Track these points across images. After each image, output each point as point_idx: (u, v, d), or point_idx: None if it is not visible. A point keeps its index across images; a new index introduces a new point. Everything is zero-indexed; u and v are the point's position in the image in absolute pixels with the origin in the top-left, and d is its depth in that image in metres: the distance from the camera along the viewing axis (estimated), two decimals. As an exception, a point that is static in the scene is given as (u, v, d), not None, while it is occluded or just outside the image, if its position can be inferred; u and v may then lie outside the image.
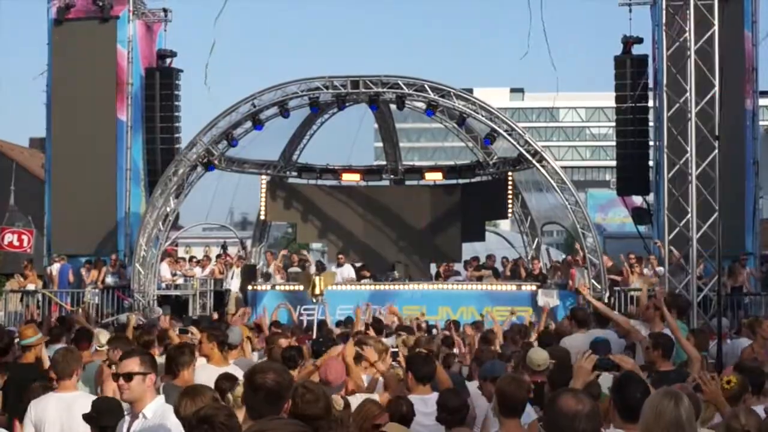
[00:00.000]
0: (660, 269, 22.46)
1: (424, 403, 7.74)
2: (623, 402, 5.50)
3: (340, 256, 27.48)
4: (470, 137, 29.02)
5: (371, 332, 14.01)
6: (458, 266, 28.23)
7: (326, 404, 6.18)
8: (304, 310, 23.18)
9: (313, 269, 25.91)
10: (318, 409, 5.91)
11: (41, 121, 28.40)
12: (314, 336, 16.13)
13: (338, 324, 17.86)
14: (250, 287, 25.39)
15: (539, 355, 9.07)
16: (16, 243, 26.73)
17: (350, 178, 30.63)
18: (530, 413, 7.12)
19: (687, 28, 20.54)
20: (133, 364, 6.30)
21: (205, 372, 8.94)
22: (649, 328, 10.86)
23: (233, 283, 25.86)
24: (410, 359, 8.61)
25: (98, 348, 11.55)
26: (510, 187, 28.65)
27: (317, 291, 21.19)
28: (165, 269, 26.29)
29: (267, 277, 26.11)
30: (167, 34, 29.06)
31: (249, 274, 26.15)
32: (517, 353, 11.20)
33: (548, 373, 8.14)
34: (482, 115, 24.02)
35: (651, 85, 25.89)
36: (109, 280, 25.70)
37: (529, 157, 23.68)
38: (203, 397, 6.25)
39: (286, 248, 30.21)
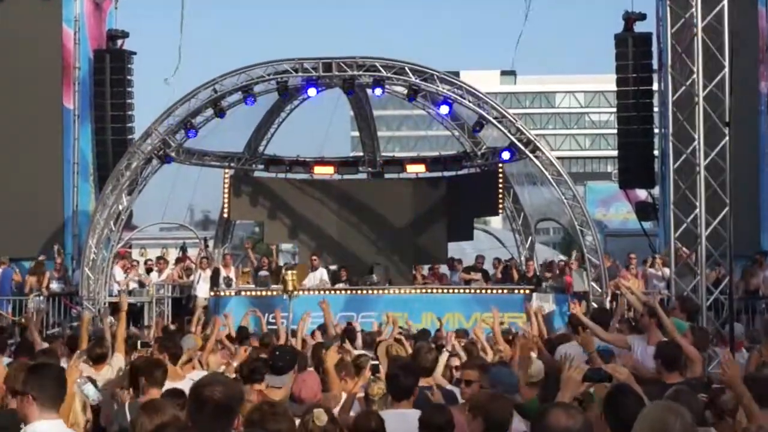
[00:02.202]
0: (665, 270, 22.59)
1: (403, 418, 7.74)
2: (616, 416, 5.53)
3: (314, 258, 27.44)
4: (456, 125, 29.06)
5: (347, 344, 14.04)
6: (443, 268, 28.26)
7: (290, 426, 6.18)
8: (273, 318, 23.14)
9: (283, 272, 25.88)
10: (281, 425, 5.93)
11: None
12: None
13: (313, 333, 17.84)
14: (212, 293, 25.38)
15: (535, 366, 9.08)
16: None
17: (323, 172, 30.61)
18: None
19: (693, 3, 20.62)
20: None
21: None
22: (646, 338, 10.85)
23: (200, 289, 25.77)
24: (388, 371, 8.64)
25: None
26: (501, 181, 28.70)
27: (290, 287, 21.15)
28: (119, 273, 26.23)
29: (228, 282, 26.07)
30: (118, 12, 29.02)
31: (213, 278, 26.12)
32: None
33: (540, 385, 8.17)
34: (469, 101, 24.07)
35: (655, 66, 25.99)
36: (54, 286, 25.56)
37: (522, 147, 23.74)
38: (162, 414, 6.25)
39: (252, 248, 30.07)
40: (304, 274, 25.26)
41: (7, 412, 7.21)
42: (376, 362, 10.38)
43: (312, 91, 24.99)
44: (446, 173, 30.39)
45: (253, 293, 25.25)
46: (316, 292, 25.15)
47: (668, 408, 5.13)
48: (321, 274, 26.58)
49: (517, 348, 11.62)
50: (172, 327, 21.75)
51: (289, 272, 21.96)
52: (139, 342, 12.66)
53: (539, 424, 4.64)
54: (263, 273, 26.91)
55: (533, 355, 11.84)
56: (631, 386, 6.58)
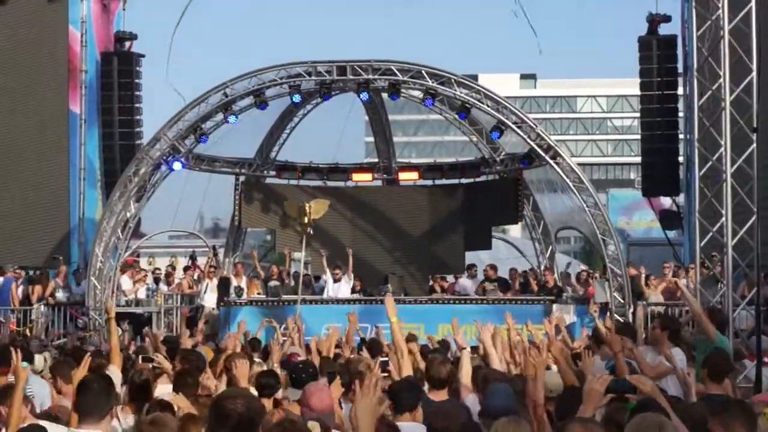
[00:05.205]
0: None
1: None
2: None
3: (337, 271, 27.22)
4: (474, 130, 29.07)
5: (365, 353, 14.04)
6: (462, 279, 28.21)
7: None
8: (284, 329, 23.13)
9: (292, 283, 25.90)
10: None
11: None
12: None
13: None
14: (223, 303, 25.38)
15: (552, 379, 9.04)
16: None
17: (337, 178, 30.65)
18: None
19: (720, 5, 20.57)
20: None
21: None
22: (657, 350, 10.81)
23: (207, 298, 25.79)
24: (392, 384, 8.65)
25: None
26: (520, 188, 28.68)
27: (305, 220, 20.85)
28: (126, 282, 26.26)
29: (239, 292, 26.06)
30: (126, 14, 29.12)
31: (223, 288, 26.12)
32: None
33: (556, 398, 8.13)
34: (488, 105, 24.07)
35: (680, 69, 25.94)
36: (60, 295, 25.58)
37: (542, 153, 23.73)
38: (169, 429, 6.28)
39: (260, 256, 30.08)
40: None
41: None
42: (386, 375, 10.36)
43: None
44: (464, 180, 30.37)
45: (265, 303, 25.23)
46: (331, 304, 25.22)
47: (649, 420, 5.24)
48: (347, 289, 26.38)
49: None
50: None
51: (307, 205, 21.71)
52: (141, 356, 12.67)
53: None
54: (274, 283, 26.86)
55: (553, 368, 11.79)
56: (656, 400, 6.56)
